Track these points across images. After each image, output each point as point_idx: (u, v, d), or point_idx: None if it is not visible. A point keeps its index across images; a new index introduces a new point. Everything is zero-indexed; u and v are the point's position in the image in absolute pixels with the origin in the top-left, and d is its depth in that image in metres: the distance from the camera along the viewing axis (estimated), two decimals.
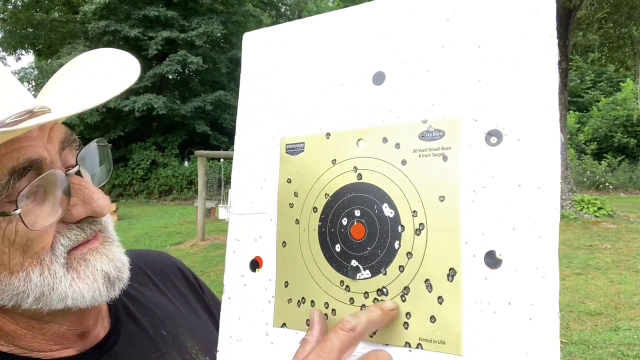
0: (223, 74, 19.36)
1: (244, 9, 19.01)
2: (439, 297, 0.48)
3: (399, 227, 0.51)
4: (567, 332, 4.01)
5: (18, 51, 20.98)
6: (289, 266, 0.58)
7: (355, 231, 0.54)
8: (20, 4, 19.71)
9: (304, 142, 0.59)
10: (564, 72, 10.38)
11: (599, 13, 11.28)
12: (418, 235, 0.50)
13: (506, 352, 0.45)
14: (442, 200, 0.49)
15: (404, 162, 0.52)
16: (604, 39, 12.66)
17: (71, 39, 19.13)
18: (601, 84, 21.58)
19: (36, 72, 18.82)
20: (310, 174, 0.58)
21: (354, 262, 0.53)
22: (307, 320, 0.54)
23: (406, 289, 0.50)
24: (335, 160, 0.57)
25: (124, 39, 16.83)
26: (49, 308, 0.49)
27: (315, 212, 0.57)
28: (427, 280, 0.49)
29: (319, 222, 0.57)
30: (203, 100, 18.11)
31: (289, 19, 29.16)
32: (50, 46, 20.50)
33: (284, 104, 0.61)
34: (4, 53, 20.85)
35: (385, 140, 0.53)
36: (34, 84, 18.98)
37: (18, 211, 0.45)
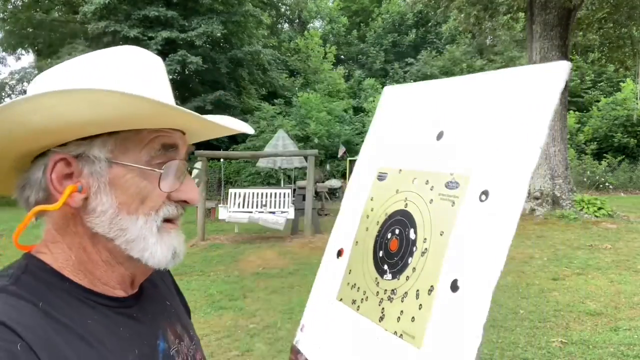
0: (223, 74, 19.36)
1: (244, 9, 18.99)
2: (420, 305, 0.65)
3: (414, 248, 0.69)
4: (567, 332, 4.01)
5: (18, 51, 20.97)
6: (355, 260, 0.80)
7: (392, 244, 0.73)
8: (20, 4, 19.70)
9: (387, 173, 0.81)
10: None
11: (599, 13, 11.27)
12: (422, 256, 0.67)
13: (451, 338, 0.59)
14: (441, 234, 0.65)
15: (431, 201, 0.69)
16: (604, 39, 12.65)
17: (71, 39, 19.12)
18: (601, 84, 21.56)
19: (36, 72, 18.78)
20: (383, 197, 0.79)
21: (385, 266, 0.73)
22: (353, 300, 0.76)
23: (405, 294, 0.68)
24: (397, 190, 0.77)
25: (124, 39, 16.82)
26: (129, 253, 0.65)
27: (377, 224, 0.78)
28: (417, 290, 0.66)
29: (377, 232, 0.77)
30: (203, 100, 18.11)
31: (289, 19, 29.15)
32: (50, 46, 20.49)
33: (386, 143, 0.84)
34: (4, 53, 20.85)
35: (427, 182, 0.72)
36: None
37: (161, 171, 0.65)
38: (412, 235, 0.70)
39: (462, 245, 0.61)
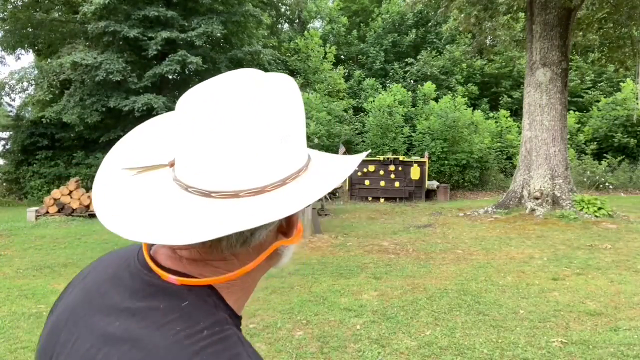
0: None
1: (244, 9, 18.98)
2: None
3: None
4: (567, 332, 4.01)
5: (17, 51, 20.95)
6: None
7: None
8: (20, 3, 19.68)
9: None
10: (564, 72, 10.38)
11: (599, 13, 11.27)
12: None
13: None
14: None
15: None
16: (604, 39, 12.65)
17: (71, 39, 19.11)
18: (601, 84, 21.56)
19: (36, 71, 18.75)
20: None
21: None
22: None
23: None
24: None
25: (124, 39, 16.82)
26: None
27: None
28: None
29: None
30: None
31: (289, 19, 29.13)
32: (50, 46, 20.48)
33: None
34: (3, 52, 20.84)
35: None
36: (33, 83, 18.96)
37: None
38: None
39: None
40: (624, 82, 19.71)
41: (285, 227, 0.66)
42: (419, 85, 21.60)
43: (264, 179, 0.59)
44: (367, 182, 15.67)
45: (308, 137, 13.89)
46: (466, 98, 20.45)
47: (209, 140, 0.58)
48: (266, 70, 20.70)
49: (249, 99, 0.59)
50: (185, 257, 0.62)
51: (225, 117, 0.58)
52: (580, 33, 12.36)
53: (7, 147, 20.68)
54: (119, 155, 0.70)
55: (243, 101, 0.59)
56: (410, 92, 20.84)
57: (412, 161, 15.65)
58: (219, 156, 0.58)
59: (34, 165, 18.99)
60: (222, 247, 0.61)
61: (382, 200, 15.40)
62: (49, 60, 19.45)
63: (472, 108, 19.55)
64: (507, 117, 19.84)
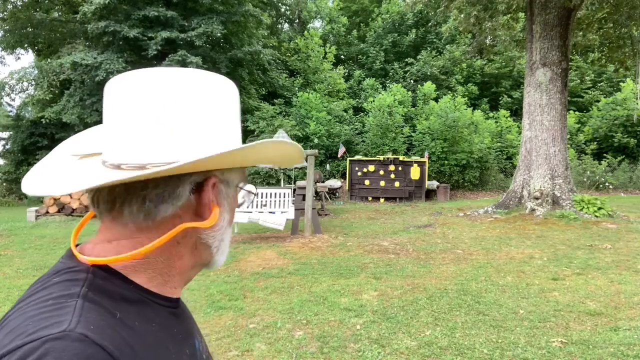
0: (223, 74, 19.30)
1: (244, 9, 18.98)
2: None
3: None
4: (567, 332, 4.01)
5: (17, 50, 20.95)
6: None
7: None
8: (20, 3, 19.68)
9: None
10: (564, 72, 10.39)
11: (599, 13, 11.27)
12: None
13: None
14: None
15: None
16: (604, 39, 12.65)
17: (71, 39, 19.11)
18: (601, 84, 21.56)
19: (36, 71, 18.76)
20: None
21: None
22: None
23: None
24: None
25: (124, 39, 16.82)
26: (214, 257, 0.72)
27: None
28: None
29: None
30: None
31: (289, 19, 29.13)
32: (50, 46, 20.48)
33: None
34: (3, 52, 20.83)
35: None
36: (33, 83, 18.96)
37: (255, 193, 0.78)
38: None
39: None
40: (624, 82, 19.72)
41: (196, 207, 0.67)
42: (419, 85, 21.60)
43: (176, 154, 0.61)
44: (367, 182, 15.67)
45: (307, 137, 13.83)
46: (466, 98, 20.46)
47: (118, 117, 0.62)
48: (265, 69, 20.60)
49: (166, 82, 0.63)
50: (99, 242, 0.65)
51: (138, 95, 0.61)
52: (580, 33, 12.36)
53: (7, 147, 20.70)
54: (69, 146, 0.77)
55: (158, 83, 0.62)
56: (410, 92, 20.84)
57: (412, 161, 15.65)
58: (127, 130, 0.61)
59: (34, 165, 19.02)
60: (124, 215, 0.63)
61: (382, 200, 15.40)
62: (49, 60, 19.44)
63: (472, 108, 19.56)
64: (507, 117, 19.85)
